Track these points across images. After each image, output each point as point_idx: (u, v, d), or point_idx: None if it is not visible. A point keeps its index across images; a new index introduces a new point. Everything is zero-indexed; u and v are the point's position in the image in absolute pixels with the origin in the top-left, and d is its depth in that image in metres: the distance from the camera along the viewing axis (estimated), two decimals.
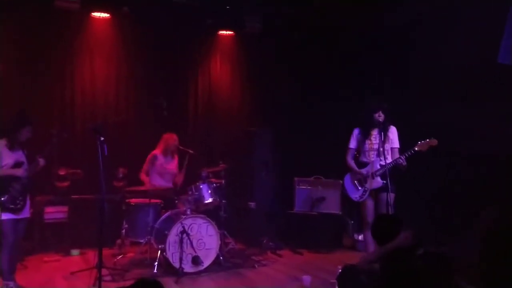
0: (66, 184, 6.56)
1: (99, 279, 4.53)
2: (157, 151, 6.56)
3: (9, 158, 4.66)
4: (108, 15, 7.11)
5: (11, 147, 4.69)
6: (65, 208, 6.52)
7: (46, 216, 6.41)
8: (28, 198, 4.82)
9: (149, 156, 6.53)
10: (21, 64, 6.57)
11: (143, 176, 6.45)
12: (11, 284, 4.69)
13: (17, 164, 4.70)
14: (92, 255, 6.10)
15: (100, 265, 4.58)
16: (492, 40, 5.19)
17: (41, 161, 4.81)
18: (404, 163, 5.01)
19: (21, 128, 4.73)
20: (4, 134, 4.71)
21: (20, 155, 4.76)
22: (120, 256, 5.89)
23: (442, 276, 2.38)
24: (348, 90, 7.42)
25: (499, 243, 1.83)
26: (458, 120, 5.61)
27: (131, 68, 7.43)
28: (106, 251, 5.19)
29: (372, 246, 5.40)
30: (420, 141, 4.98)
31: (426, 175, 6.07)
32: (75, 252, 6.38)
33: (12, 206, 4.60)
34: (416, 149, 4.97)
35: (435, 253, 2.53)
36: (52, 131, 4.96)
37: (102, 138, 4.57)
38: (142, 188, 6.09)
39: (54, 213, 6.47)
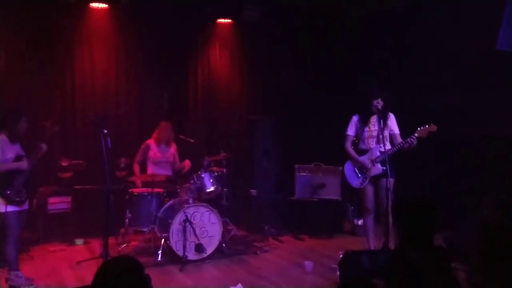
0: (68, 175, 6.60)
1: None
2: (150, 140, 6.60)
3: (10, 152, 4.70)
4: (106, 5, 7.09)
5: (11, 141, 4.73)
6: (68, 199, 6.57)
7: (50, 207, 6.45)
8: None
9: (143, 146, 6.58)
10: (22, 55, 6.57)
11: (135, 166, 6.50)
12: (20, 273, 4.77)
13: (18, 158, 4.74)
14: (96, 244, 6.23)
15: (106, 255, 4.65)
16: (490, 27, 5.21)
17: (44, 146, 4.81)
18: (415, 142, 4.99)
19: (18, 119, 4.76)
20: (3, 127, 4.74)
21: (18, 149, 4.81)
22: (125, 245, 5.97)
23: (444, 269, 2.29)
24: (348, 76, 7.46)
25: (494, 239, 1.83)
26: (456, 106, 5.65)
27: (130, 58, 7.40)
28: (110, 240, 5.25)
29: (372, 232, 5.49)
30: (420, 127, 4.98)
31: (426, 160, 6.12)
32: (79, 241, 6.46)
33: (17, 198, 4.67)
34: (416, 135, 4.98)
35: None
36: (45, 123, 4.97)
37: (105, 131, 4.59)
38: (144, 179, 6.16)
39: (58, 203, 6.53)
